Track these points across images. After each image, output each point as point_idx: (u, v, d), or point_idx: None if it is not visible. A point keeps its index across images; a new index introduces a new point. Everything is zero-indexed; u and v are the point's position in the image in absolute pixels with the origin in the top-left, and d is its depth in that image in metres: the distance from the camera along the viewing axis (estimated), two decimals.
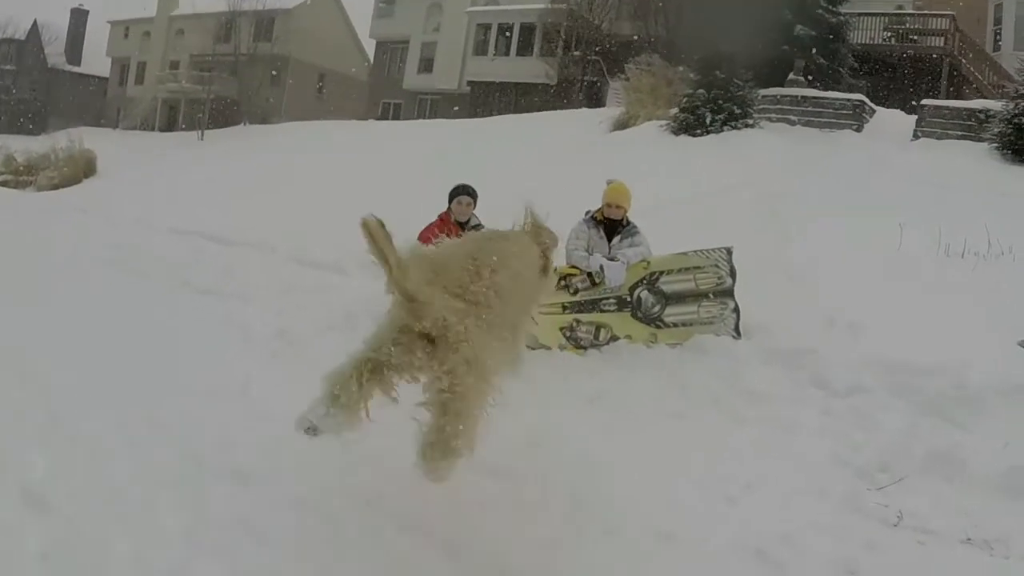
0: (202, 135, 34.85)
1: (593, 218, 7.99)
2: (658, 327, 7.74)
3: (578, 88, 35.84)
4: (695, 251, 7.87)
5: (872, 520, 4.96)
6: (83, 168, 25.08)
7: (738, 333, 7.65)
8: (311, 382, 6.23)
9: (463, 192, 8.00)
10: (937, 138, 18.30)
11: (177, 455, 5.13)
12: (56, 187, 23.90)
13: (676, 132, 19.59)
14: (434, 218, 8.06)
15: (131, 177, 21.81)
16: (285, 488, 4.86)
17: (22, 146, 28.46)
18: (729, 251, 7.81)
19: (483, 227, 7.96)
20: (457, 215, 7.93)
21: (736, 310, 7.70)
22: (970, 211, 11.94)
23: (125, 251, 11.06)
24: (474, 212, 8.19)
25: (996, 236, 10.35)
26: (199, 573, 4.00)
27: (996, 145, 17.11)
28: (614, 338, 7.70)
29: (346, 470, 5.12)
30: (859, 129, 19.63)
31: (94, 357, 6.67)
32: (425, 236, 7.67)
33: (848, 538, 4.72)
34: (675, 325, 7.74)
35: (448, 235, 7.55)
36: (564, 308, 7.75)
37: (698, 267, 7.78)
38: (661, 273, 7.79)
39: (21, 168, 27.02)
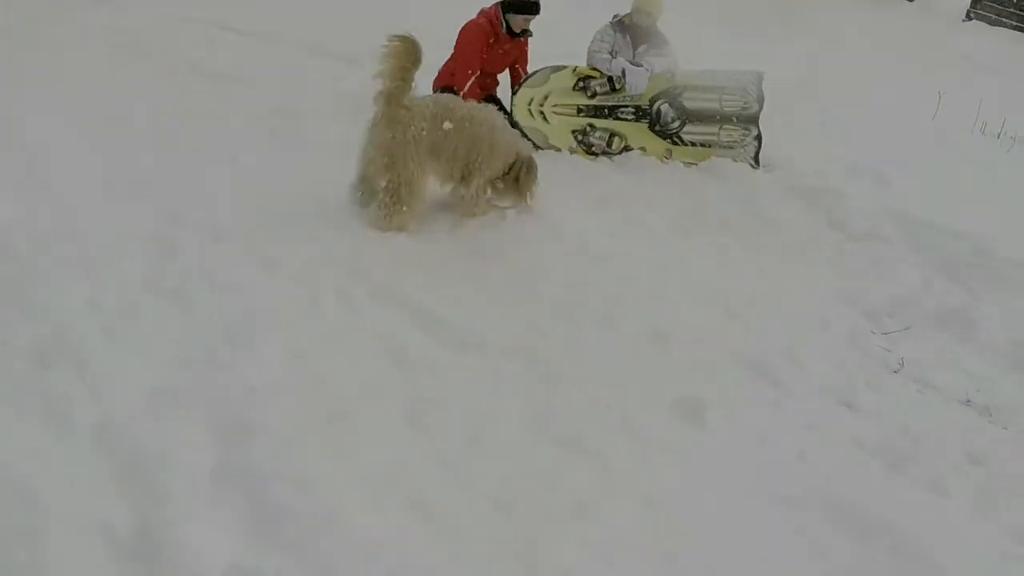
0: None
1: (620, 22, 7.41)
2: (675, 143, 7.32)
3: None
4: (724, 71, 7.38)
5: (873, 361, 4.78)
6: None
7: (757, 163, 7.26)
8: (302, 156, 6.13)
9: (534, 12, 7.10)
10: (990, 23, 17.59)
11: (153, 212, 4.99)
12: None
13: None
14: (473, 14, 7.25)
15: None
16: (256, 245, 4.71)
17: None
18: (760, 76, 7.32)
19: (531, 34, 7.32)
20: (515, 27, 7.12)
21: (759, 138, 7.28)
22: (1012, 97, 11.76)
23: (134, 37, 10.54)
24: None
25: None
26: (150, 317, 3.88)
27: None
28: (627, 148, 7.28)
29: (327, 238, 4.98)
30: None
31: (84, 125, 6.41)
32: (474, 42, 7.02)
33: (847, 372, 4.56)
34: (693, 144, 7.32)
35: (495, 42, 7.06)
36: (579, 111, 7.27)
37: (725, 88, 7.29)
38: (685, 88, 7.30)
39: None
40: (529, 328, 4.30)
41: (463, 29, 7.11)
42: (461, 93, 6.80)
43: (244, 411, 3.29)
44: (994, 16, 17.50)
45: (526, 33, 7.25)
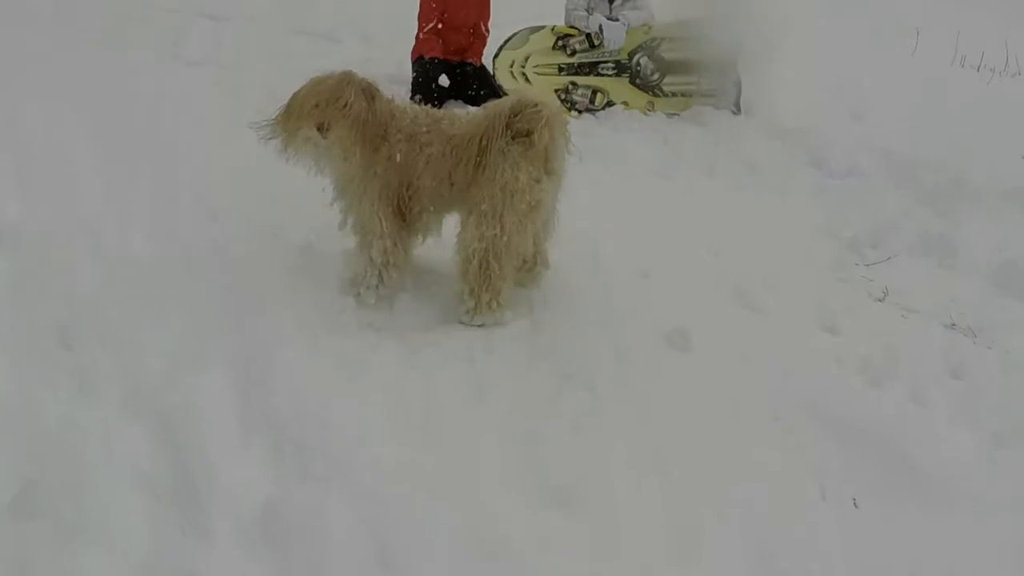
0: None
1: None
2: (656, 95, 7.49)
3: None
4: (700, 19, 7.46)
5: (858, 291, 4.92)
6: None
7: (738, 108, 7.43)
8: None
9: None
10: None
11: (152, 194, 5.07)
12: None
13: None
14: None
15: None
16: (259, 219, 4.82)
17: None
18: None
19: None
20: None
21: (738, 84, 7.45)
22: (992, 27, 11.62)
23: (114, 26, 10.58)
24: None
25: (1016, 55, 10.12)
26: (167, 292, 4.00)
27: None
28: (610, 103, 7.43)
29: (324, 202, 4.98)
30: None
31: (74, 118, 6.40)
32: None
33: (831, 300, 4.68)
34: (674, 94, 7.49)
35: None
36: (560, 69, 7.44)
37: (702, 36, 7.41)
38: (663, 40, 7.48)
39: None
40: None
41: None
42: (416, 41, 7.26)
43: (261, 366, 3.50)
44: None
45: None
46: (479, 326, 3.97)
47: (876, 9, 12.04)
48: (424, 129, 4.03)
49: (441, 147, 3.98)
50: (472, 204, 3.94)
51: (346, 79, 3.97)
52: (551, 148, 3.95)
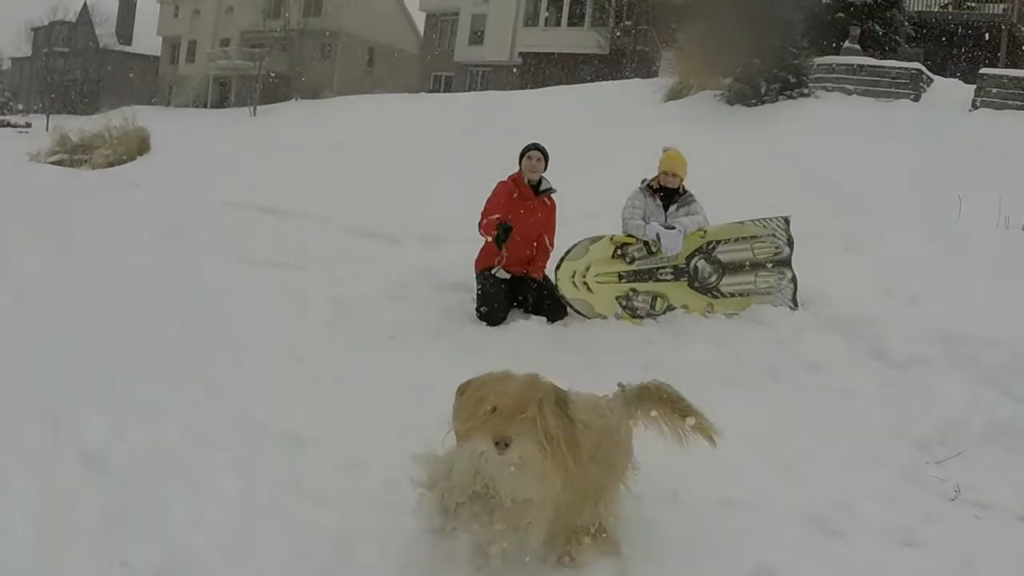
0: (254, 111, 34.91)
1: (649, 186, 7.97)
2: (715, 297, 7.76)
3: (630, 58, 35.50)
4: (752, 220, 7.85)
5: (930, 493, 4.93)
6: (137, 145, 25.13)
7: (796, 303, 7.65)
8: (363, 348, 6.48)
9: (533, 147, 7.87)
10: (996, 108, 17.94)
11: (233, 419, 5.12)
12: (111, 164, 24.00)
13: (731, 102, 19.37)
14: (504, 177, 8.00)
15: (185, 153, 21.86)
16: (341, 452, 4.84)
17: (76, 126, 28.66)
18: (787, 220, 7.79)
19: (555, 191, 8.01)
20: (528, 172, 7.82)
21: (794, 280, 7.70)
22: None
23: (180, 224, 11.04)
24: (544, 175, 8.01)
25: None
26: (258, 533, 4.00)
27: None
28: (671, 308, 7.70)
29: (405, 434, 4.97)
30: (916, 99, 19.30)
31: (150, 326, 6.65)
32: (496, 199, 7.74)
33: (905, 509, 4.69)
34: (732, 295, 7.75)
35: (519, 195, 7.72)
36: (620, 277, 7.75)
37: (755, 236, 7.78)
38: (718, 242, 7.79)
39: (76, 147, 27.27)
40: None
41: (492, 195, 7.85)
42: (482, 231, 7.66)
43: None
44: (1000, 100, 17.91)
45: (547, 188, 7.95)
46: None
47: (916, 171, 12.32)
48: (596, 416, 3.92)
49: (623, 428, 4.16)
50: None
51: (533, 385, 3.42)
52: None
